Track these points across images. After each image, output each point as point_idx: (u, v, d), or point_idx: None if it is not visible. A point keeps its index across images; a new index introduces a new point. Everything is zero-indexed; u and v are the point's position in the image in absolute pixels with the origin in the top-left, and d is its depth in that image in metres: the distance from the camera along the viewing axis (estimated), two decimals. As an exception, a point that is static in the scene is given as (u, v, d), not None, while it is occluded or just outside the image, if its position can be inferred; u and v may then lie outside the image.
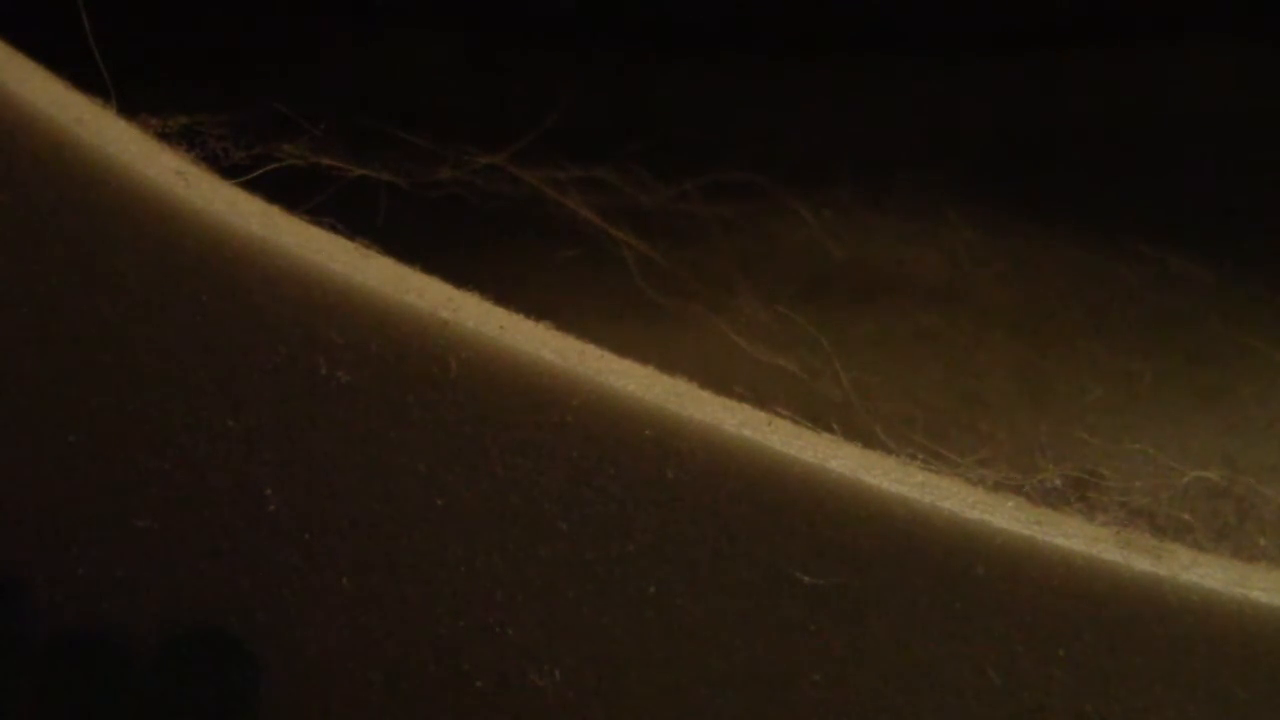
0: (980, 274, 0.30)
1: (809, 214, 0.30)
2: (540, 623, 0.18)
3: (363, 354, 0.19)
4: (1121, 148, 0.32)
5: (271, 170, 0.22)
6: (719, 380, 0.19)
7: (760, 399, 0.19)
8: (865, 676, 0.18)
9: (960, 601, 0.18)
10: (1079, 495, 0.21)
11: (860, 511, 0.18)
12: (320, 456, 0.19)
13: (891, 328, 0.30)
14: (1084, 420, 0.27)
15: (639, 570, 0.18)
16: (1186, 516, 0.23)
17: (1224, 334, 0.29)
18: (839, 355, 0.26)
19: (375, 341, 0.19)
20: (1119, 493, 0.23)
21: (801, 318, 0.27)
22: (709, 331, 0.28)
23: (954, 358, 0.29)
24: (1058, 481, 0.21)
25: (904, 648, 0.18)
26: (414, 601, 0.19)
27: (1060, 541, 0.18)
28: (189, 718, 0.19)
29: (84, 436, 0.19)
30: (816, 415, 0.19)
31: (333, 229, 0.19)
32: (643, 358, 0.19)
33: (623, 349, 0.19)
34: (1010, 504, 0.18)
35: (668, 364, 0.19)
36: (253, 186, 0.20)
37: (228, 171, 0.20)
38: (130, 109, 0.20)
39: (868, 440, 0.19)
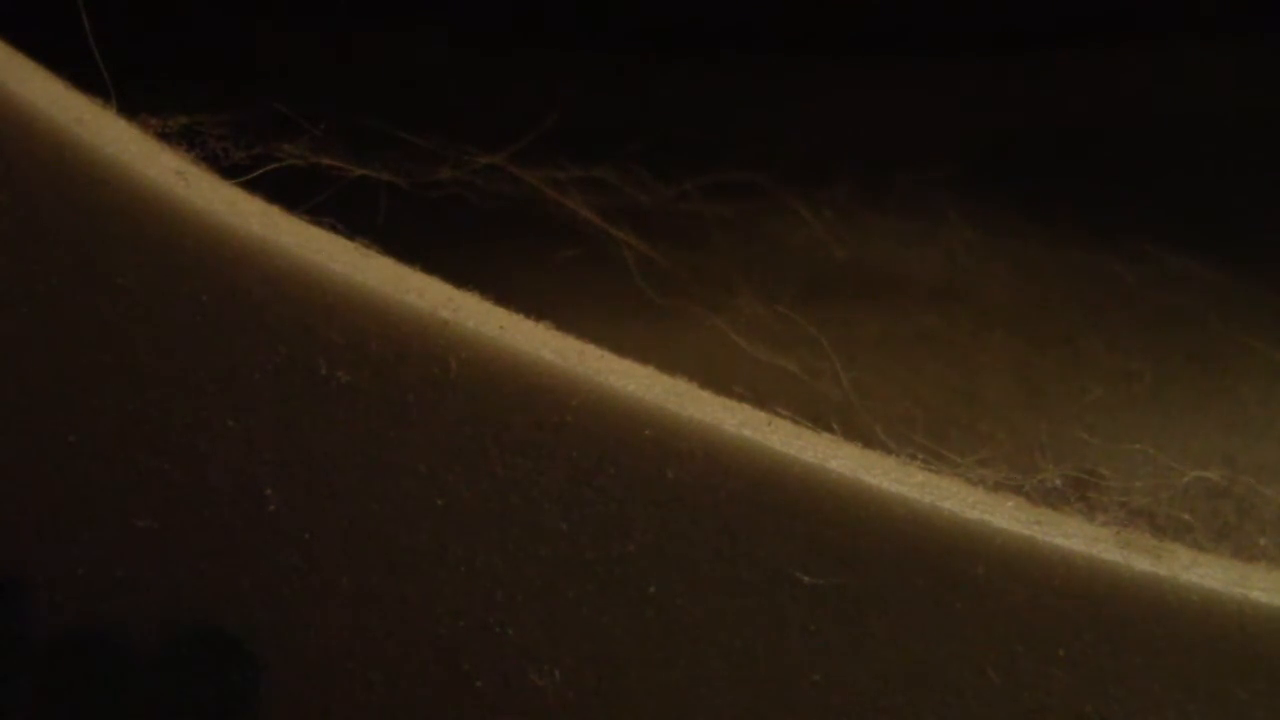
0: (980, 274, 0.30)
1: (809, 214, 0.30)
2: (540, 623, 0.18)
3: (363, 354, 0.19)
4: (1121, 148, 0.32)
5: (271, 170, 0.22)
6: (719, 380, 0.19)
7: (760, 399, 0.19)
8: (865, 676, 0.18)
9: (960, 601, 0.18)
10: (1079, 495, 0.21)
11: (860, 511, 0.18)
12: (320, 456, 0.19)
13: (891, 328, 0.30)
14: (1084, 420, 0.27)
15: (639, 570, 0.18)
16: (1186, 516, 0.23)
17: (1224, 334, 0.29)
18: (839, 355, 0.26)
19: (375, 341, 0.19)
20: (1119, 493, 0.23)
21: (801, 318, 0.27)
22: (709, 331, 0.28)
23: (954, 358, 0.29)
24: (1058, 481, 0.21)
25: (904, 648, 0.18)
26: (414, 601, 0.19)
27: (1060, 541, 0.18)
28: (189, 718, 0.19)
29: (84, 436, 0.19)
30: (816, 415, 0.19)
31: (333, 229, 0.19)
32: (643, 358, 0.19)
33: (623, 349, 0.19)
34: (1010, 504, 0.18)
35: (668, 364, 0.19)
36: (253, 186, 0.20)
37: (228, 171, 0.20)
38: (130, 109, 0.20)
39: (868, 440, 0.19)
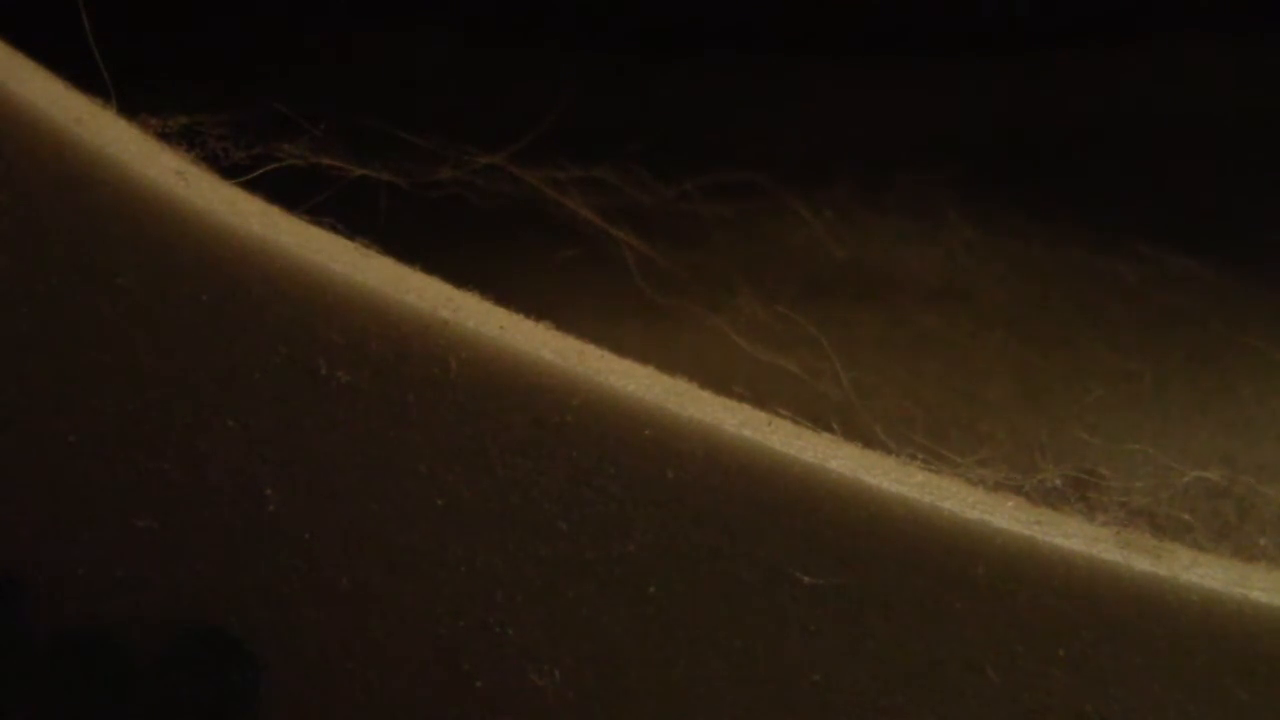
0: (980, 274, 0.30)
1: (809, 214, 0.30)
2: (540, 623, 0.18)
3: (363, 354, 0.19)
4: (1121, 147, 0.32)
5: (271, 170, 0.22)
6: (719, 380, 0.19)
7: (760, 399, 0.19)
8: (865, 676, 0.18)
9: (960, 601, 0.18)
10: (1079, 495, 0.21)
11: (860, 511, 0.18)
12: (320, 456, 0.19)
13: (891, 328, 0.30)
14: (1084, 420, 0.27)
15: (639, 570, 0.18)
16: (1186, 516, 0.23)
17: (1224, 334, 0.29)
18: (839, 355, 0.26)
19: (375, 341, 0.19)
20: (1119, 493, 0.23)
21: (801, 318, 0.27)
22: (709, 331, 0.28)
23: (954, 358, 0.29)
24: (1058, 481, 0.21)
25: (904, 648, 0.18)
26: (414, 601, 0.19)
27: (1060, 541, 0.18)
28: (189, 718, 0.19)
29: (84, 436, 0.19)
30: (816, 415, 0.19)
31: (333, 229, 0.19)
32: (643, 358, 0.19)
33: (623, 349, 0.19)
34: (1010, 504, 0.18)
35: (668, 364, 0.19)
36: (253, 186, 0.20)
37: (228, 171, 0.20)
38: (130, 109, 0.20)
39: (868, 440, 0.19)
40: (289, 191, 0.20)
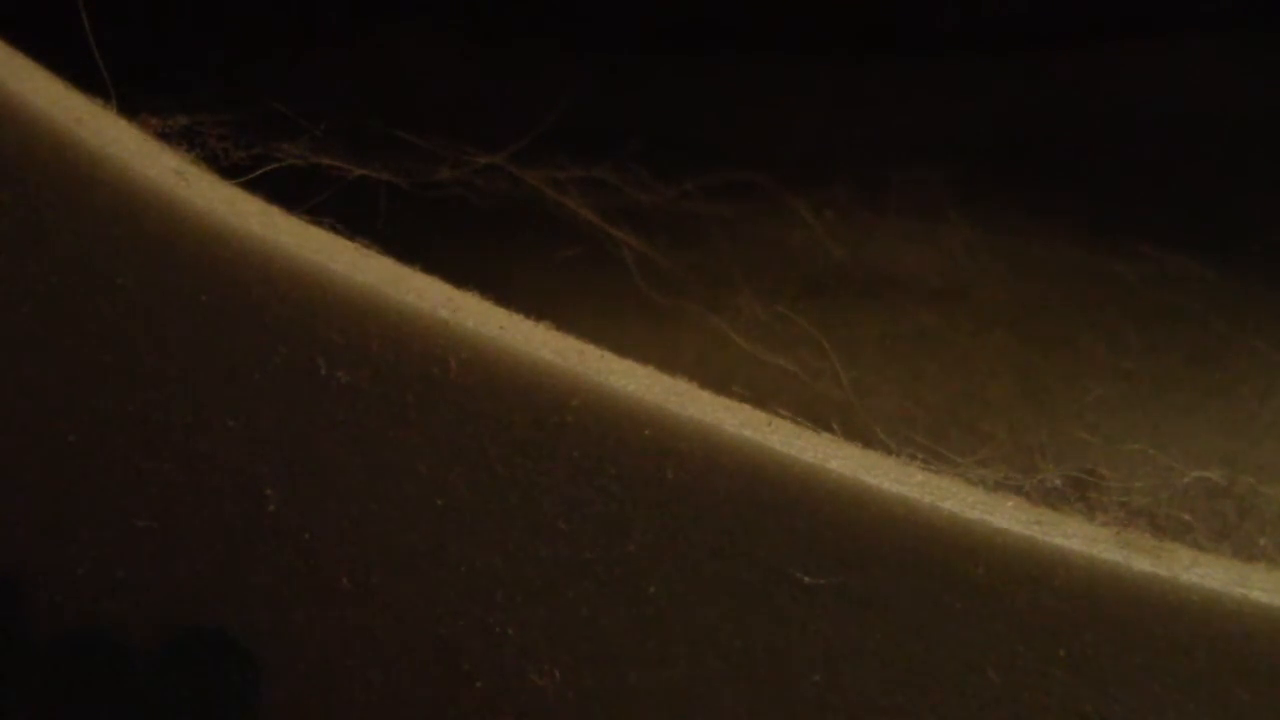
0: (980, 274, 0.30)
1: (809, 214, 0.30)
2: (540, 623, 0.18)
3: (363, 354, 0.19)
4: (1121, 147, 0.32)
5: (271, 170, 0.22)
6: (719, 380, 0.19)
7: (760, 399, 0.19)
8: (865, 676, 0.18)
9: (960, 601, 0.18)
10: (1079, 495, 0.21)
11: (860, 511, 0.18)
12: (320, 456, 0.19)
13: (891, 328, 0.30)
14: (1084, 420, 0.27)
15: (639, 570, 0.18)
16: (1186, 516, 0.23)
17: (1224, 334, 0.29)
18: (839, 355, 0.26)
19: (375, 341, 0.19)
20: (1119, 493, 0.23)
21: (801, 318, 0.27)
22: (709, 331, 0.28)
23: (954, 357, 0.29)
24: (1058, 481, 0.21)
25: (904, 648, 0.18)
26: (414, 601, 0.19)
27: (1060, 541, 0.18)
28: (189, 718, 0.19)
29: (84, 436, 0.19)
30: (816, 415, 0.19)
31: (333, 229, 0.19)
32: (643, 358, 0.19)
33: (623, 349, 0.19)
34: (1010, 504, 0.18)
35: (668, 364, 0.19)
36: (253, 186, 0.20)
37: (228, 171, 0.20)
38: (130, 109, 0.20)
39: (868, 440, 0.19)
40: (289, 191, 0.20)
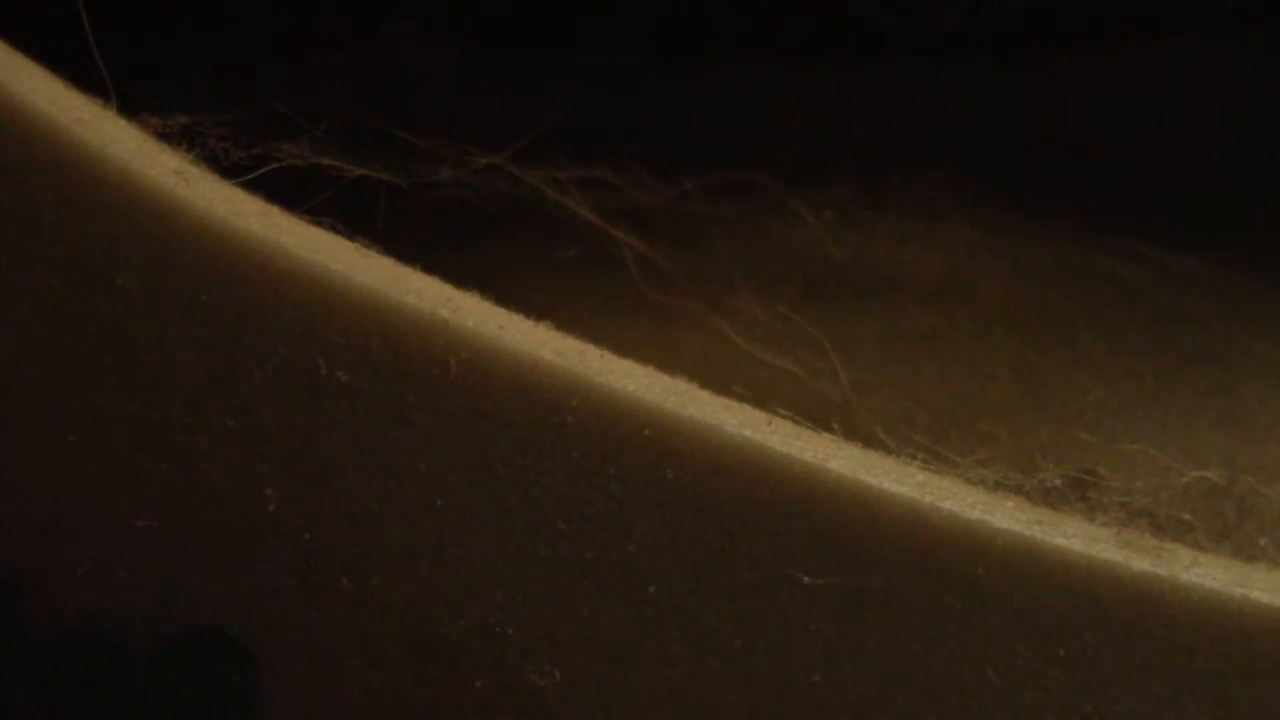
0: (980, 274, 0.30)
1: (809, 214, 0.30)
2: (540, 623, 0.18)
3: (363, 354, 0.19)
4: (1121, 147, 0.32)
5: (271, 170, 0.22)
6: (719, 380, 0.19)
7: (760, 399, 0.19)
8: (865, 676, 0.18)
9: (960, 601, 0.18)
10: (1079, 495, 0.21)
11: (860, 511, 0.18)
12: (320, 456, 0.19)
13: (891, 327, 0.30)
14: (1084, 420, 0.27)
15: (639, 570, 0.18)
16: (1186, 516, 0.23)
17: (1224, 334, 0.29)
18: (839, 355, 0.26)
19: (375, 341, 0.19)
20: (1119, 493, 0.23)
21: (801, 318, 0.27)
22: (709, 331, 0.28)
23: (954, 358, 0.29)
24: (1058, 481, 0.21)
25: (904, 648, 0.18)
26: (414, 601, 0.19)
27: (1060, 541, 0.18)
28: (189, 718, 0.19)
29: (84, 436, 0.19)
30: (816, 415, 0.19)
31: (333, 229, 0.19)
32: (643, 358, 0.19)
33: (623, 349, 0.19)
34: (1010, 504, 0.18)
35: (668, 364, 0.19)
36: (253, 186, 0.20)
37: (228, 171, 0.20)
38: (130, 109, 0.20)
39: (868, 440, 0.19)
40: (289, 191, 0.20)
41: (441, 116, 0.27)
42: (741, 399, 0.19)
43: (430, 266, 0.19)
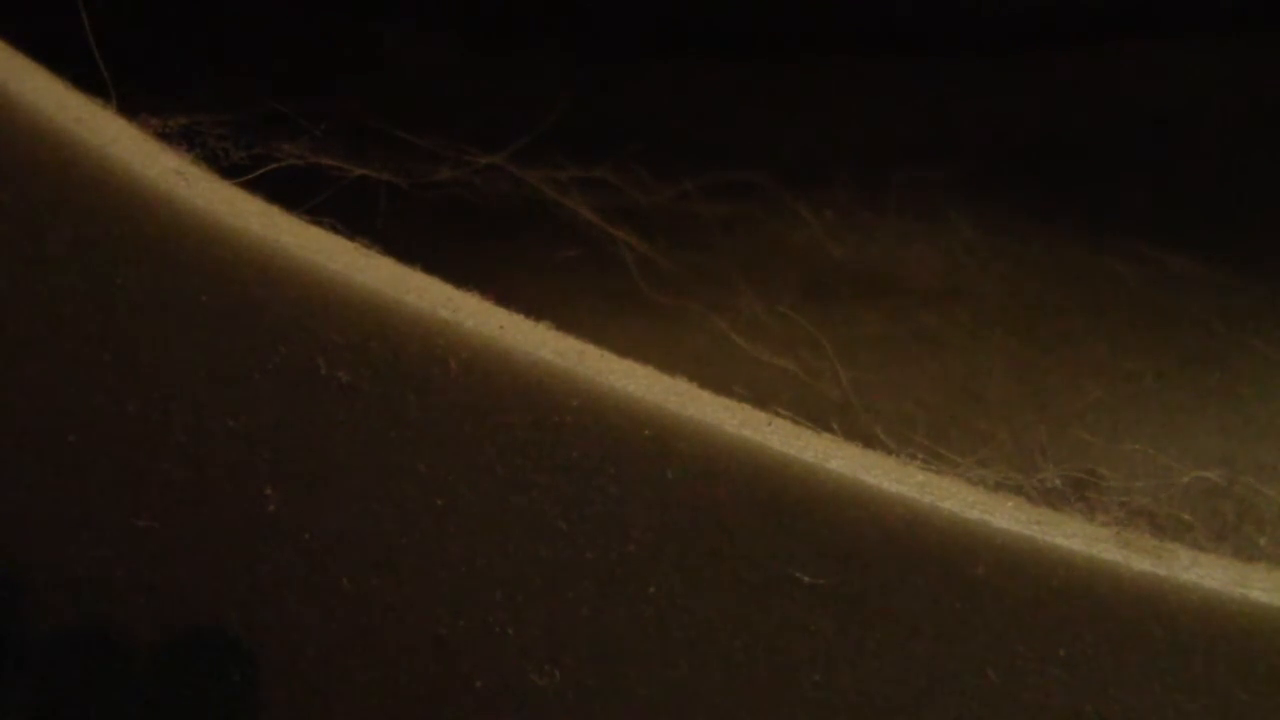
0: (980, 274, 0.30)
1: (809, 214, 0.30)
2: (540, 623, 0.18)
3: (363, 354, 0.19)
4: (1121, 148, 0.32)
5: (271, 170, 0.22)
6: (719, 380, 0.19)
7: (760, 399, 0.19)
8: (865, 676, 0.18)
9: (960, 601, 0.18)
10: (1079, 495, 0.21)
11: (860, 511, 0.18)
12: (320, 456, 0.19)
13: (891, 328, 0.30)
14: (1084, 420, 0.27)
15: (639, 570, 0.18)
16: (1186, 516, 0.23)
17: (1224, 334, 0.29)
18: (839, 355, 0.26)
19: (375, 341, 0.19)
20: (1119, 493, 0.23)
21: (801, 318, 0.27)
22: (709, 331, 0.28)
23: (954, 358, 0.29)
24: (1058, 481, 0.21)
25: (904, 648, 0.18)
26: (414, 602, 0.19)
27: (1060, 541, 0.18)
28: (189, 718, 0.19)
29: (84, 436, 0.19)
30: (816, 415, 0.19)
31: (333, 229, 0.19)
32: (643, 358, 0.19)
33: (623, 349, 0.19)
34: (1010, 504, 0.18)
35: (668, 364, 0.19)
36: (253, 186, 0.20)
37: (228, 171, 0.20)
38: (130, 109, 0.20)
39: (868, 440, 0.19)
40: (289, 191, 0.20)
41: (441, 116, 0.27)
42: (741, 399, 0.19)
43: (430, 266, 0.19)
